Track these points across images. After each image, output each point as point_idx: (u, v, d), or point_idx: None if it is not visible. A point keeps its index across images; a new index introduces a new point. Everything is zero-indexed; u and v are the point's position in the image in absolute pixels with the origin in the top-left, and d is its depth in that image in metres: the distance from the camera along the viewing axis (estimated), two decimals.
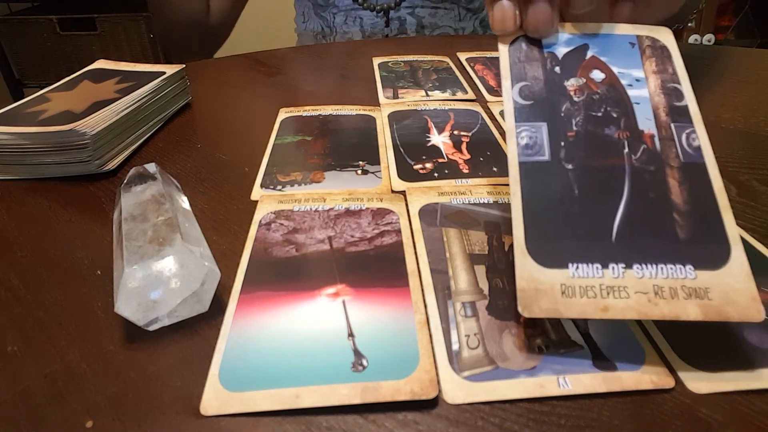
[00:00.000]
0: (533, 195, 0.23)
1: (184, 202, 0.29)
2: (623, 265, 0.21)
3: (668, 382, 0.20)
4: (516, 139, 0.24)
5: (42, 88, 0.42)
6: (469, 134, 0.40)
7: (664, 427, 0.19)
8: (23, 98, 0.40)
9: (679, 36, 1.74)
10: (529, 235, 0.22)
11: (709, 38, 1.74)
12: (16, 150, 0.35)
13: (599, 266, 0.21)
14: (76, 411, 0.19)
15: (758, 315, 0.20)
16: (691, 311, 0.20)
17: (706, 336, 0.22)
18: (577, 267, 0.21)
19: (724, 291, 0.20)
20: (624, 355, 0.21)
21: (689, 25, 1.70)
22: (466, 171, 0.35)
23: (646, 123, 0.25)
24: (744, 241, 0.28)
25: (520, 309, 0.20)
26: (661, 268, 0.21)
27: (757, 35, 1.71)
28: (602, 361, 0.21)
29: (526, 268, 0.21)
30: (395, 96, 0.49)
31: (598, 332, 0.22)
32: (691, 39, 1.74)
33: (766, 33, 1.69)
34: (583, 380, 0.20)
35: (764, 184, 0.34)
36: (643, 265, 0.21)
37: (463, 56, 0.60)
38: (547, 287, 0.21)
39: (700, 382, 0.20)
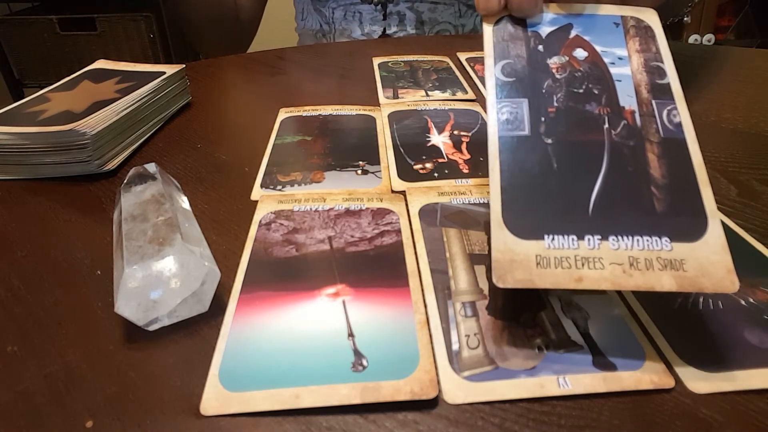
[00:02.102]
0: (511, 168, 0.23)
1: (184, 202, 0.29)
2: (599, 237, 0.21)
3: (668, 382, 0.20)
4: (496, 115, 0.25)
5: (42, 88, 0.42)
6: (469, 134, 0.40)
7: (664, 427, 0.19)
8: (23, 98, 0.40)
9: (678, 34, 1.74)
10: (505, 207, 0.22)
11: (709, 38, 1.74)
12: (16, 150, 0.35)
13: (575, 238, 0.21)
14: (76, 411, 0.19)
15: (732, 286, 0.20)
16: (665, 282, 0.20)
17: (706, 336, 0.22)
18: (553, 238, 0.21)
19: (700, 263, 0.20)
20: (624, 355, 0.21)
21: (685, 20, 1.69)
22: (466, 171, 0.35)
23: (627, 99, 0.25)
24: (744, 241, 0.28)
25: (494, 279, 0.20)
26: (637, 240, 0.21)
27: (757, 35, 1.71)
28: (602, 361, 0.21)
29: (501, 239, 0.21)
30: (395, 96, 0.49)
31: (598, 332, 0.22)
32: (691, 39, 1.74)
33: (766, 33, 1.69)
34: (583, 380, 0.20)
35: (764, 184, 0.34)
36: (619, 237, 0.21)
37: (463, 56, 0.60)
38: (522, 258, 0.21)
39: (700, 382, 0.20)
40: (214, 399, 0.19)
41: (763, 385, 0.20)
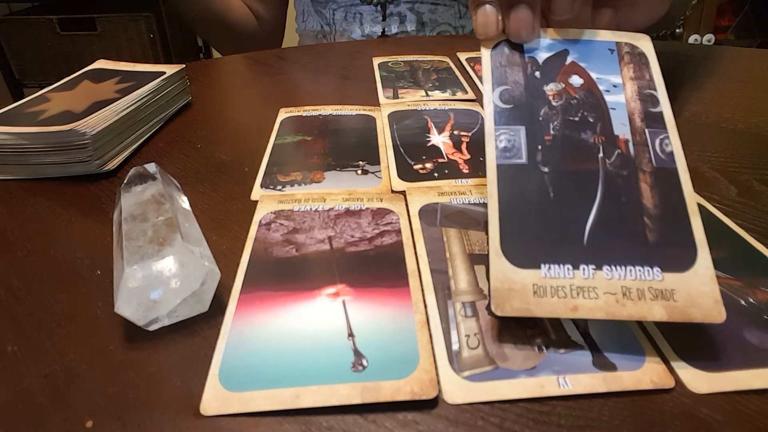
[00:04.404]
0: (509, 197, 0.23)
1: (184, 202, 0.29)
2: (593, 267, 0.21)
3: (668, 382, 0.20)
4: (495, 142, 0.25)
5: (42, 88, 0.42)
6: (469, 134, 0.40)
7: (664, 427, 0.19)
8: (23, 98, 0.40)
9: (678, 37, 1.74)
10: (503, 236, 0.22)
11: (709, 38, 1.74)
12: (16, 150, 0.35)
13: (570, 267, 0.21)
14: (76, 411, 0.19)
15: (719, 317, 0.20)
16: (656, 312, 0.21)
17: (707, 336, 0.22)
18: (549, 267, 0.21)
19: (689, 293, 0.21)
20: (624, 355, 0.21)
21: (677, 31, 1.70)
22: (466, 171, 0.35)
23: (621, 128, 0.25)
24: (744, 241, 0.28)
25: (492, 308, 0.21)
26: (630, 270, 0.21)
27: (757, 35, 1.71)
28: (602, 361, 0.21)
29: (499, 268, 0.22)
30: (395, 96, 0.49)
31: (598, 332, 0.22)
32: (691, 39, 1.74)
33: (766, 33, 1.69)
34: (583, 380, 0.20)
35: (764, 184, 0.34)
36: (613, 267, 0.21)
37: (463, 56, 0.60)
38: (520, 287, 0.21)
39: (700, 382, 0.20)
40: (214, 399, 0.19)
41: (763, 385, 0.20)
